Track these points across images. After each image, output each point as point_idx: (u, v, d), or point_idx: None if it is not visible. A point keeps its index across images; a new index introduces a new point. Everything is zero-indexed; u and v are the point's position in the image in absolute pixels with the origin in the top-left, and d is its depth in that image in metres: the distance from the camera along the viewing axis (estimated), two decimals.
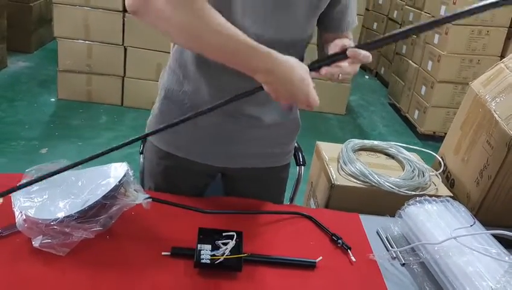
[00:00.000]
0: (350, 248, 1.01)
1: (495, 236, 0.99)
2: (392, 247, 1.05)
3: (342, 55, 0.86)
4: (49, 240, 0.86)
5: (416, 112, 4.00)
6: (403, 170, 1.45)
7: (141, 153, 1.28)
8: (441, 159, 1.51)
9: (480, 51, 3.58)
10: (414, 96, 4.08)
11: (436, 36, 3.75)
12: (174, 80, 1.08)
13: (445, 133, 1.62)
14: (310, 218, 1.11)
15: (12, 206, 0.90)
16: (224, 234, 0.95)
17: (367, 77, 5.63)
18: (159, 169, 1.17)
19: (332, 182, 1.35)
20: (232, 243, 0.92)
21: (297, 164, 1.44)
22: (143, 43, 3.55)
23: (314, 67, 0.88)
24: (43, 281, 0.82)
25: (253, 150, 1.15)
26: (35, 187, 0.93)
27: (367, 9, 5.32)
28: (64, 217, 0.87)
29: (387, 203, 1.23)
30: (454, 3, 3.48)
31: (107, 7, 3.48)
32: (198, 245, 0.91)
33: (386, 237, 1.09)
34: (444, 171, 1.49)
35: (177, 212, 1.04)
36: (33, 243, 0.86)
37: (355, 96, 4.77)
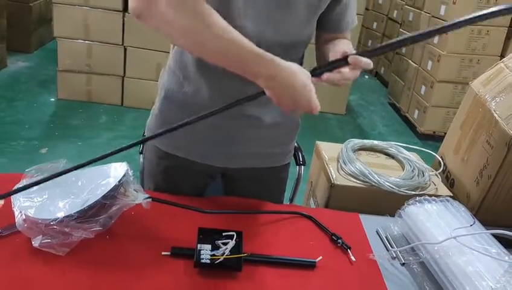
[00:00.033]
0: (350, 248, 1.01)
1: (495, 236, 0.99)
2: (392, 247, 1.05)
3: (343, 61, 0.87)
4: (49, 240, 0.86)
5: (416, 111, 4.01)
6: (403, 170, 1.45)
7: (141, 153, 1.28)
8: (440, 159, 1.51)
9: (480, 50, 3.58)
10: (414, 96, 4.08)
11: (436, 36, 3.75)
12: (174, 80, 1.08)
13: (445, 133, 1.62)
14: (309, 218, 1.11)
15: (12, 206, 0.90)
16: (224, 233, 0.95)
17: (367, 76, 5.63)
18: (159, 169, 1.17)
19: (332, 181, 1.35)
20: (232, 243, 0.92)
21: (297, 163, 1.44)
22: (143, 43, 3.55)
23: (315, 73, 0.88)
24: (42, 281, 0.82)
25: (253, 150, 1.15)
26: (35, 187, 0.93)
27: (367, 9, 5.33)
28: (64, 217, 0.87)
29: (387, 203, 1.23)
30: (454, 3, 3.48)
31: (107, 7, 3.48)
32: (198, 245, 0.91)
33: (386, 237, 1.09)
34: (443, 171, 1.49)
35: (177, 212, 1.04)
36: (33, 243, 0.86)
37: (355, 96, 4.77)
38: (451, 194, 1.37)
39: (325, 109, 4.11)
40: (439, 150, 1.58)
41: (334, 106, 4.14)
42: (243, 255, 0.91)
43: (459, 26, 0.77)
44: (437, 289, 0.94)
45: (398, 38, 0.81)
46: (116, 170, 0.96)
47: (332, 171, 1.39)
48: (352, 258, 0.99)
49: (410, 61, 4.24)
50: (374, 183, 1.33)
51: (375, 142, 1.58)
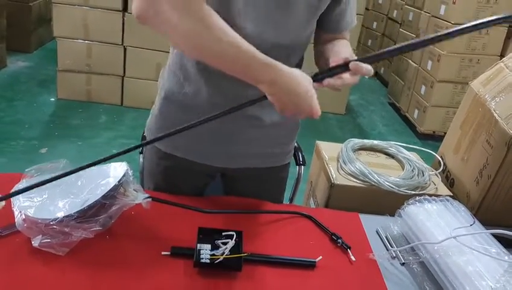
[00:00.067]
0: (350, 248, 1.01)
1: (495, 235, 0.99)
2: (391, 246, 1.05)
3: (344, 67, 0.88)
4: (49, 240, 0.86)
5: (416, 111, 4.01)
6: (403, 170, 1.45)
7: (141, 153, 1.28)
8: (440, 159, 1.51)
9: (480, 50, 3.58)
10: (414, 95, 4.08)
11: None
12: (174, 81, 1.08)
13: (445, 133, 1.62)
14: (309, 217, 1.11)
15: (12, 206, 0.90)
16: (223, 233, 0.95)
17: (366, 76, 5.62)
18: (159, 169, 1.17)
19: (332, 181, 1.35)
20: (231, 243, 0.92)
21: (297, 163, 1.44)
22: (142, 43, 3.55)
23: (317, 78, 0.90)
24: (42, 280, 0.82)
25: (253, 150, 1.14)
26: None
27: (367, 9, 5.32)
28: (63, 217, 0.86)
29: (387, 202, 1.23)
30: (454, 3, 3.48)
31: (107, 7, 3.48)
32: (198, 245, 0.91)
33: (386, 237, 1.09)
34: (443, 171, 1.49)
35: (176, 211, 1.04)
36: (32, 242, 0.86)
37: (355, 96, 4.77)
38: (451, 194, 1.37)
39: (325, 108, 4.08)
40: (439, 150, 1.58)
41: (334, 105, 4.14)
42: (242, 255, 0.91)
43: (462, 33, 0.80)
44: (437, 289, 0.94)
45: (398, 45, 0.84)
46: (116, 170, 0.96)
47: (332, 171, 1.39)
48: (352, 258, 0.99)
49: (410, 61, 4.24)
50: (373, 183, 1.33)
51: (375, 142, 1.58)
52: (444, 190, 1.39)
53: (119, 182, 0.92)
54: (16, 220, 0.88)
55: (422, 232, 1.03)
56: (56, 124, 3.34)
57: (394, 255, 1.03)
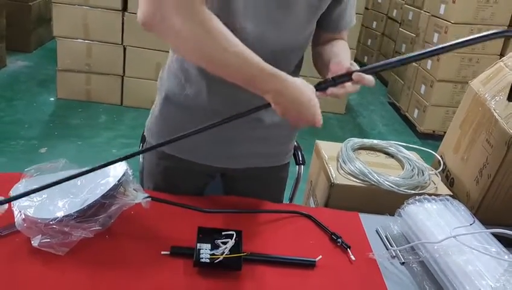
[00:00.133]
0: (350, 247, 1.01)
1: (494, 235, 0.99)
2: (391, 246, 1.05)
3: (347, 77, 0.90)
4: (48, 240, 0.86)
5: (416, 111, 4.01)
6: (403, 169, 1.45)
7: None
8: (440, 158, 1.51)
9: (479, 49, 3.58)
10: (414, 95, 4.08)
11: (435, 35, 3.75)
12: (175, 82, 1.07)
13: (445, 132, 1.62)
14: (309, 217, 1.11)
15: (12, 205, 0.90)
16: (223, 233, 0.95)
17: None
18: (159, 169, 1.17)
19: (332, 181, 1.35)
20: (231, 242, 0.92)
21: (297, 163, 1.44)
22: (142, 42, 3.55)
23: (320, 88, 0.91)
24: (42, 280, 0.82)
25: (254, 150, 1.14)
26: (34, 186, 0.93)
27: (366, 8, 5.32)
28: (63, 217, 0.86)
29: (387, 202, 1.23)
30: (453, 2, 3.48)
31: (106, 6, 3.48)
32: (198, 244, 0.91)
33: (386, 236, 1.09)
34: (443, 170, 1.49)
35: (176, 211, 1.04)
36: (32, 242, 0.86)
37: (355, 96, 4.76)
38: (451, 193, 1.37)
39: (325, 108, 4.07)
40: (439, 149, 1.58)
41: (334, 105, 4.14)
42: (242, 254, 0.91)
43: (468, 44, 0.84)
44: (437, 288, 0.94)
45: (401, 57, 0.88)
46: (116, 170, 0.96)
47: (332, 171, 1.39)
48: (352, 257, 0.99)
49: None
50: (373, 183, 1.33)
51: (375, 141, 1.58)
52: (443, 190, 1.39)
53: (118, 181, 0.92)
54: (15, 220, 0.88)
55: (422, 232, 1.03)
56: (56, 123, 3.34)
57: (394, 254, 1.03)
